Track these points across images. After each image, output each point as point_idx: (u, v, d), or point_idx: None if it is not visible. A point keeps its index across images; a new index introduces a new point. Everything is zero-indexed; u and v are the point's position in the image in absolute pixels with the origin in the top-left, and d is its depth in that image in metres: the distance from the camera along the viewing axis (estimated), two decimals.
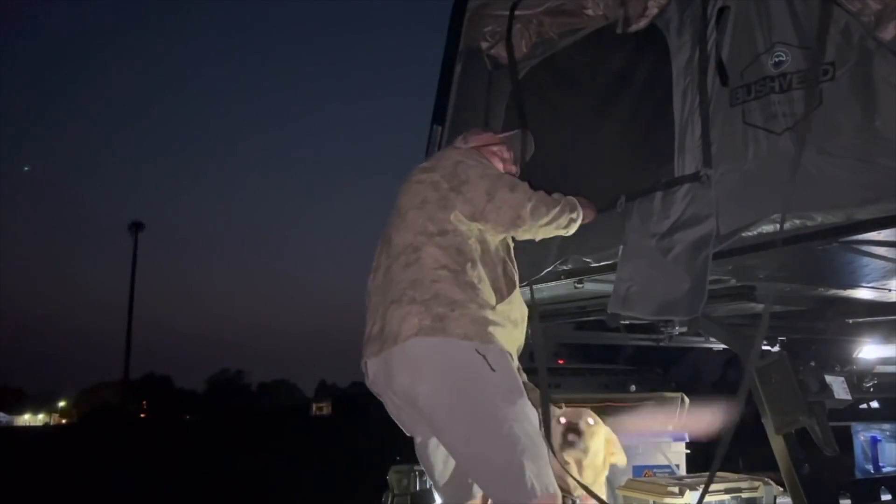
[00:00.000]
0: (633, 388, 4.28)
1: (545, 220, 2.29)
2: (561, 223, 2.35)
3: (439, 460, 2.19)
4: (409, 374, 2.04)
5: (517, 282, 2.33)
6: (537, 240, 2.40)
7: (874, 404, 2.77)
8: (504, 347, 2.11)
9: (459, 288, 2.09)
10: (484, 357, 2.01)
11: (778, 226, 2.16)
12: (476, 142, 2.53)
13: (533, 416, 2.07)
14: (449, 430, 2.02)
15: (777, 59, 2.25)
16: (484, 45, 3.36)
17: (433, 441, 2.17)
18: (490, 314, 2.12)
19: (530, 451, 1.96)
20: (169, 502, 10.34)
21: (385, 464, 3.63)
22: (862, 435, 2.58)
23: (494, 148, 2.56)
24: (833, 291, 2.96)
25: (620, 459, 2.58)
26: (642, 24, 2.71)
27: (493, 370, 2.00)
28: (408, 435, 2.26)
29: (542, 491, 1.92)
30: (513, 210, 2.23)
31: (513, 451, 1.94)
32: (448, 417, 2.00)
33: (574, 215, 2.39)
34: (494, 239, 2.29)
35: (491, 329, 2.08)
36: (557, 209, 2.32)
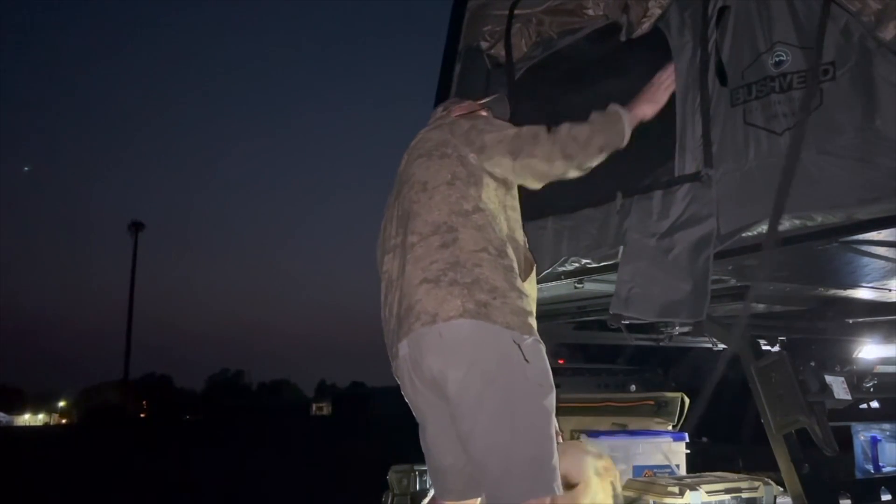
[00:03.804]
0: (633, 388, 4.27)
1: (582, 153, 2.15)
2: (608, 140, 2.18)
3: (446, 452, 2.13)
4: (441, 357, 1.95)
5: (534, 260, 2.28)
6: (590, 168, 2.22)
7: (874, 404, 2.77)
8: (538, 338, 2.04)
9: (500, 273, 2.01)
10: (519, 347, 1.95)
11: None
12: (459, 111, 2.41)
13: (554, 415, 2.01)
14: (473, 417, 1.94)
15: (777, 59, 2.25)
16: (483, 44, 3.36)
17: (443, 431, 2.09)
18: (527, 303, 2.06)
19: (550, 449, 1.94)
20: (168, 502, 10.34)
21: (385, 463, 3.62)
22: (862, 435, 2.58)
23: (482, 114, 2.42)
24: (833, 291, 2.96)
25: None
26: (645, 26, 2.70)
27: (528, 361, 1.94)
28: (417, 420, 2.18)
29: (558, 490, 1.92)
30: (544, 162, 2.13)
31: (537, 445, 1.92)
32: (475, 405, 1.93)
33: (619, 126, 2.20)
34: (515, 214, 2.20)
35: (529, 320, 2.03)
36: (588, 133, 2.15)
